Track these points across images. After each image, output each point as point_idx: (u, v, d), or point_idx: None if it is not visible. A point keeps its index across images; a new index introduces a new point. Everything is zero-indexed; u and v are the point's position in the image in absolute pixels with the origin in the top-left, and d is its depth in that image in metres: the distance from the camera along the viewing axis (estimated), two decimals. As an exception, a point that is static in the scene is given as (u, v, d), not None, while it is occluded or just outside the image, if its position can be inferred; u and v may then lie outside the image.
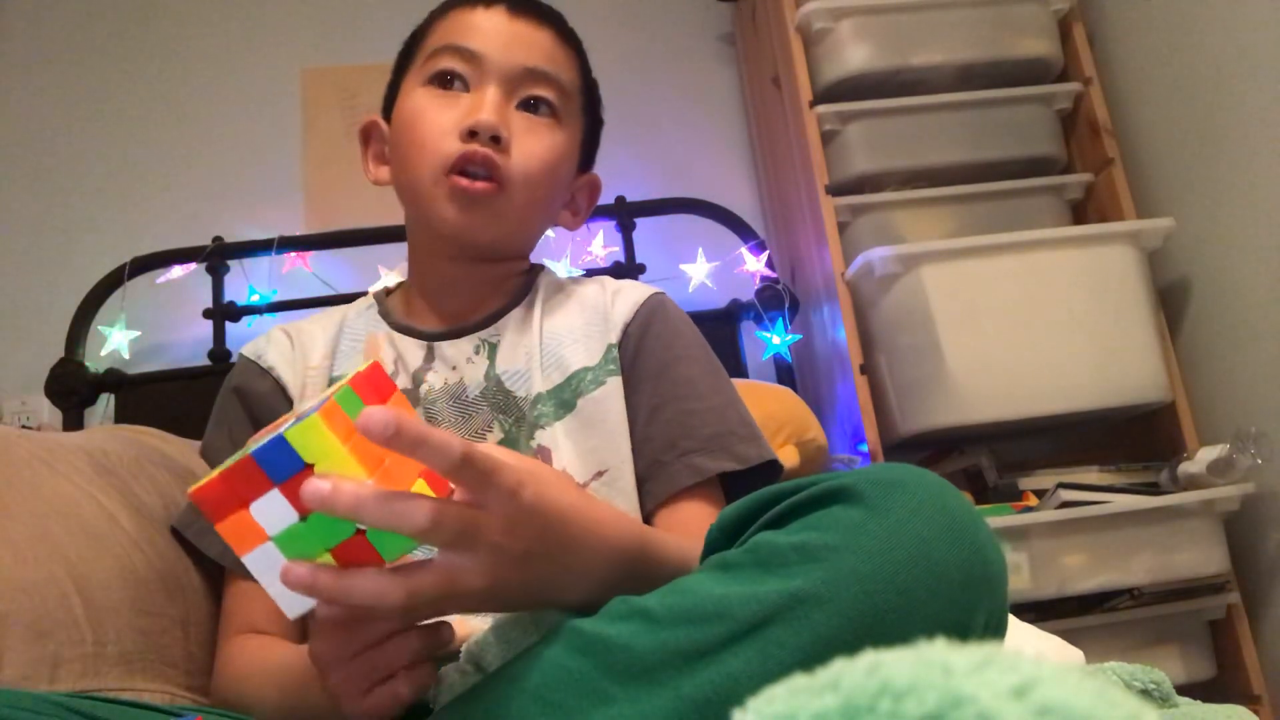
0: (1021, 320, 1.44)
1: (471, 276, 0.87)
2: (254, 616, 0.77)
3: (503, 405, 0.82)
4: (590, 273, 1.76)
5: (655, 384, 0.82)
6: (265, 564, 0.47)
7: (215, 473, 0.47)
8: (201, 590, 0.85)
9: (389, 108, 0.89)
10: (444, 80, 0.82)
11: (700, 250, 1.82)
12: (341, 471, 0.45)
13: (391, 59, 0.91)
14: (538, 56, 0.83)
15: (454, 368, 0.84)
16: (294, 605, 0.48)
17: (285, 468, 0.46)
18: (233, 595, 0.79)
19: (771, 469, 0.82)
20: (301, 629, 0.77)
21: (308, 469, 0.46)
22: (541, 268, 0.93)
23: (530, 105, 0.83)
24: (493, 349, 0.84)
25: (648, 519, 0.80)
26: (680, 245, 1.86)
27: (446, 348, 0.85)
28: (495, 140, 0.79)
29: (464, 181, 0.78)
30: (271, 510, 0.46)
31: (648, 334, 0.85)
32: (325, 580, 0.45)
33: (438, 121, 0.80)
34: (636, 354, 0.84)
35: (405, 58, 0.89)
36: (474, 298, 0.87)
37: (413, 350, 0.85)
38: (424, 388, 0.83)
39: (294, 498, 0.46)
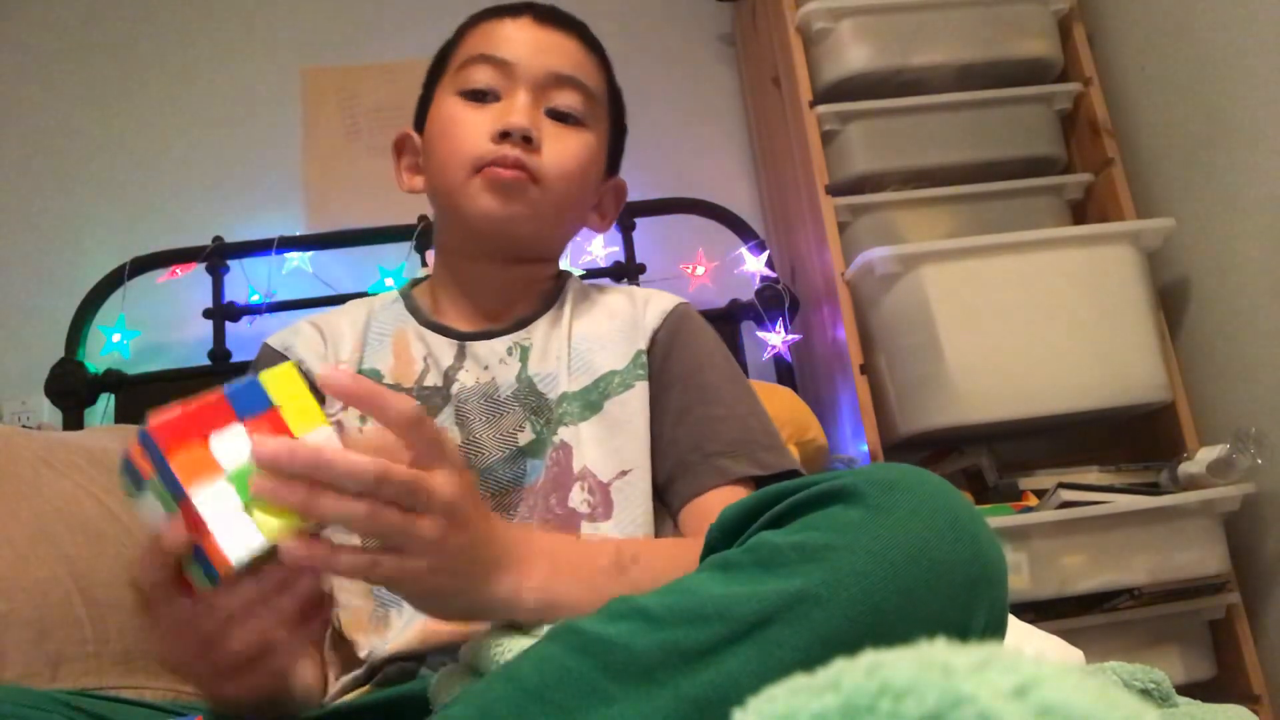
0: (1021, 320, 1.44)
1: (503, 278, 0.88)
2: None
3: (535, 407, 0.82)
4: (591, 273, 1.76)
5: (682, 389, 0.84)
6: (214, 501, 0.49)
7: (178, 409, 0.50)
8: (203, 588, 0.85)
9: (420, 120, 0.91)
10: (477, 96, 0.84)
11: (700, 250, 1.82)
12: (302, 414, 0.51)
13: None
14: (565, 62, 0.86)
15: (486, 367, 0.84)
16: (239, 548, 0.49)
17: (253, 407, 0.51)
18: None
19: (792, 479, 0.82)
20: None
21: (273, 409, 0.51)
22: (569, 275, 0.95)
23: (559, 116, 0.85)
24: (525, 352, 0.86)
25: (674, 518, 0.81)
26: (680, 245, 1.86)
27: (479, 347, 0.86)
28: (527, 141, 0.81)
29: (499, 169, 0.80)
30: (231, 446, 0.50)
31: (676, 340, 0.87)
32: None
33: (471, 126, 0.83)
34: (665, 359, 0.86)
35: (436, 70, 0.91)
36: (505, 299, 0.89)
37: (444, 348, 0.86)
38: (455, 386, 0.83)
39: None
